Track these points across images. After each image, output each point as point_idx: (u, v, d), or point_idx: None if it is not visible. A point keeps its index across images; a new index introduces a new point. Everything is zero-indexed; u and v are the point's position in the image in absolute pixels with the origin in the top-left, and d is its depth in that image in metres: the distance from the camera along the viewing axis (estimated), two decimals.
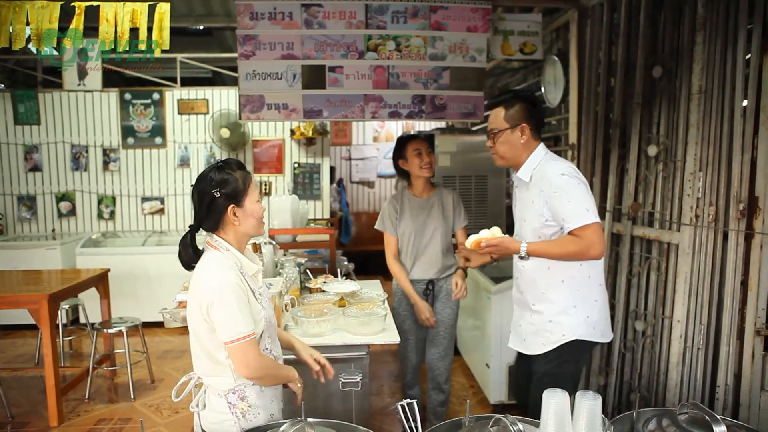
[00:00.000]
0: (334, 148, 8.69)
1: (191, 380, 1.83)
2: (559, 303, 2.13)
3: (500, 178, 4.94)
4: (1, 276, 4.08)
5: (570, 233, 2.02)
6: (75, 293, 3.87)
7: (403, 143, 3.00)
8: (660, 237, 2.68)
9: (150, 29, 3.00)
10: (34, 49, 6.58)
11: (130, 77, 6.36)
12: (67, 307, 4.54)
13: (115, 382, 4.16)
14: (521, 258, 2.13)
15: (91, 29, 3.13)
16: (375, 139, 8.74)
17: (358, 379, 2.41)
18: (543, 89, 4.42)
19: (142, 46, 3.03)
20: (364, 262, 8.38)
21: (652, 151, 2.75)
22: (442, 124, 6.47)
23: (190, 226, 1.78)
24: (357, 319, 2.38)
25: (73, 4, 2.98)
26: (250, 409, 1.75)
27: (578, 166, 3.29)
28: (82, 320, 4.71)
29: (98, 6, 2.96)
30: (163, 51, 3.10)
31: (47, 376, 3.42)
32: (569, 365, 2.15)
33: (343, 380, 2.38)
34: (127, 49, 3.03)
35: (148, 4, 2.95)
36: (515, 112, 2.16)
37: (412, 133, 5.24)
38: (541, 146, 2.20)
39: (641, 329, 2.79)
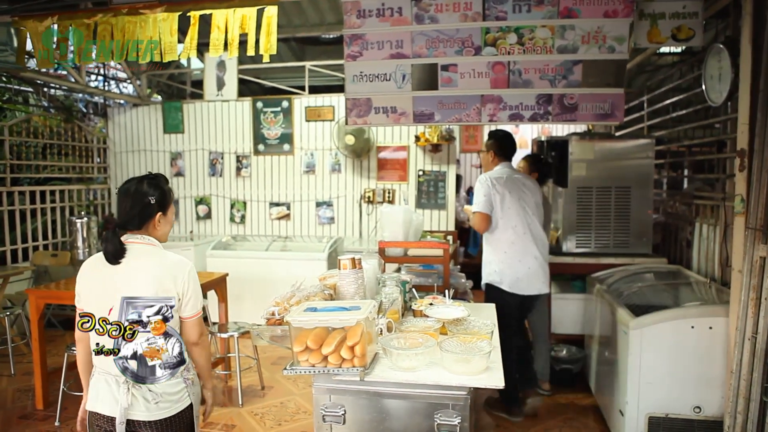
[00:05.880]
0: (464, 155, 8.35)
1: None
2: (484, 256, 3.60)
3: (646, 189, 4.26)
4: None
5: None
6: None
7: None
8: None
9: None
10: (184, 62, 7.17)
11: (267, 87, 6.62)
12: None
13: (229, 385, 4.23)
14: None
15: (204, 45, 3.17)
16: None
17: (455, 422, 2.08)
18: (704, 85, 3.70)
19: (251, 52, 2.99)
20: None
21: None
22: (579, 127, 5.84)
23: (116, 224, 1.95)
24: (454, 354, 2.04)
25: (188, 14, 3.02)
26: (194, 376, 2.04)
27: (750, 177, 2.63)
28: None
29: (211, 14, 2.97)
30: (282, 53, 3.05)
31: None
32: (491, 301, 3.24)
33: (438, 421, 2.07)
34: (237, 54, 3.01)
35: (256, 8, 2.90)
36: (488, 142, 3.70)
37: (544, 138, 4.75)
38: (501, 165, 3.58)
39: None
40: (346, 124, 3.05)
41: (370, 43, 2.88)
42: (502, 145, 3.59)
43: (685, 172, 4.88)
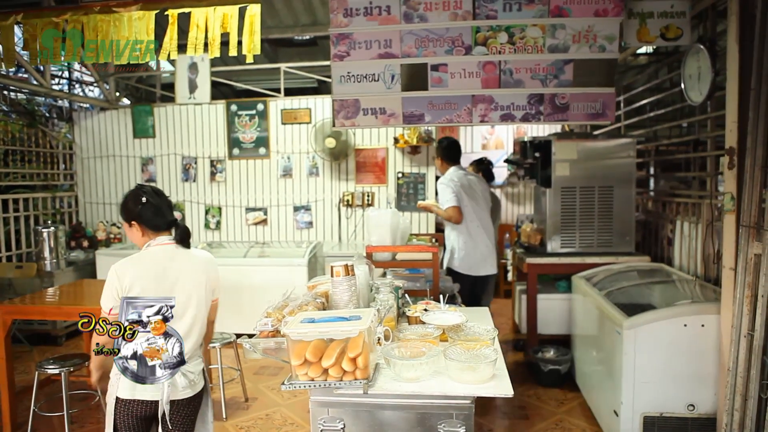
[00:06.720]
0: None
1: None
2: (447, 245, 4.23)
3: (629, 189, 4.28)
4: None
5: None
6: None
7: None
8: None
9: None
10: (153, 64, 6.94)
11: (240, 90, 6.46)
12: None
13: (212, 398, 4.06)
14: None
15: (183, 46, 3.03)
16: (484, 147, 8.25)
17: None
18: (683, 84, 3.75)
19: (233, 52, 2.88)
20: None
21: None
22: (554, 128, 5.87)
23: (176, 221, 2.24)
24: (460, 363, 1.97)
25: (166, 12, 2.89)
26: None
27: (741, 175, 2.65)
28: None
29: (190, 13, 2.85)
30: (255, 55, 2.94)
31: None
32: (457, 282, 3.66)
33: (442, 431, 2.00)
34: (218, 55, 2.89)
35: (238, 7, 2.79)
36: (437, 150, 4.39)
37: (526, 139, 4.75)
38: (453, 168, 4.20)
39: None
40: (334, 126, 2.96)
41: (357, 42, 2.80)
42: (449, 153, 4.28)
43: (658, 170, 4.95)
